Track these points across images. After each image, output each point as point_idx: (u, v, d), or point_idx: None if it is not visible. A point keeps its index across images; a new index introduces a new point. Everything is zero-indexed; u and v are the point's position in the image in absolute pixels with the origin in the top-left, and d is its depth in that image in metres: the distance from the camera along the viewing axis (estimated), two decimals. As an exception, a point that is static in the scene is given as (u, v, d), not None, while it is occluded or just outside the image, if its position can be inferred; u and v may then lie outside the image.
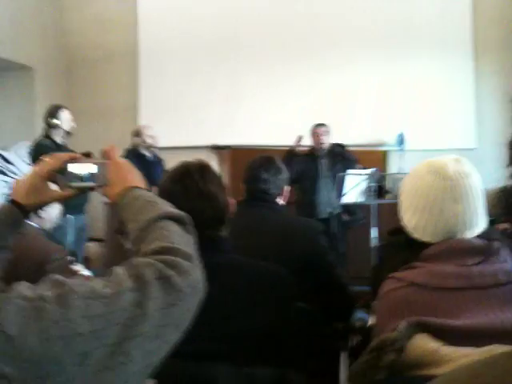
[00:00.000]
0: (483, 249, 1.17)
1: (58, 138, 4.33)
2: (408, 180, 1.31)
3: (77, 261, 2.75)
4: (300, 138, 4.75)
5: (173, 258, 0.76)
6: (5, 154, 2.38)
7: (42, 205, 1.04)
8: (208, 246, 1.44)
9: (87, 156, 1.09)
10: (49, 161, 1.03)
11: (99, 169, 1.03)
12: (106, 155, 1.04)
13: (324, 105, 5.86)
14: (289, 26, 6.12)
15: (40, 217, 2.22)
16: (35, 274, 0.92)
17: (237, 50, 6.20)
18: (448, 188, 1.21)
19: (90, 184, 1.04)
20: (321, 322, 1.85)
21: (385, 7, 6.02)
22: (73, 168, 1.04)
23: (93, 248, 5.30)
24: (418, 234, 1.26)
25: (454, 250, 1.18)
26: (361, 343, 2.04)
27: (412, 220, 1.27)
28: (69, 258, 2.35)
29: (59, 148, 4.33)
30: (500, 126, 5.72)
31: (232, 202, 1.55)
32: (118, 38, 6.47)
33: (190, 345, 1.29)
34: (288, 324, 1.41)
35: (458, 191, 1.21)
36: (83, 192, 1.07)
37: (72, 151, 6.01)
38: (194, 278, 0.76)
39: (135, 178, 1.01)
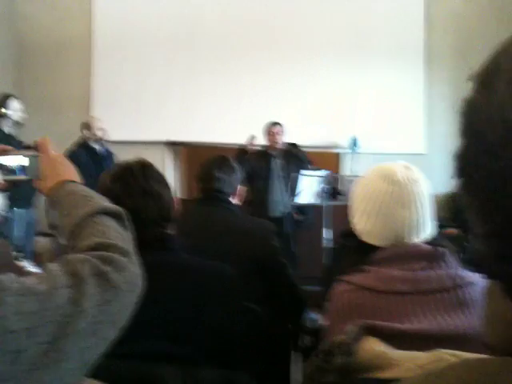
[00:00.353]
0: (429, 254, 1.19)
1: (6, 127, 4.18)
2: (358, 184, 1.33)
3: (25, 256, 2.65)
4: (252, 138, 4.75)
5: (109, 254, 0.74)
6: None
7: None
8: (154, 245, 1.42)
9: (28, 148, 1.06)
10: None
11: (31, 162, 1.01)
12: (38, 148, 1.02)
13: (279, 105, 5.89)
14: (246, 21, 6.12)
15: None
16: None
17: (194, 44, 6.14)
18: (396, 193, 1.23)
19: (22, 177, 1.02)
20: (272, 323, 1.85)
21: (340, 14, 6.11)
22: (4, 160, 1.02)
23: (42, 243, 5.13)
24: (367, 238, 1.28)
25: (401, 254, 1.20)
26: (311, 344, 2.06)
27: (361, 223, 1.29)
28: (14, 253, 2.27)
29: (7, 138, 4.18)
30: (449, 133, 5.92)
31: (177, 200, 1.53)
32: (72, 27, 6.28)
33: (136, 345, 1.27)
34: (234, 323, 1.41)
35: (406, 197, 1.23)
36: (15, 186, 1.05)
37: (20, 142, 5.80)
38: (131, 274, 0.74)
39: (69, 171, 1.00)
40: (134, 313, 1.22)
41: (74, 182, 0.97)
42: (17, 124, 4.24)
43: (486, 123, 0.41)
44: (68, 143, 4.72)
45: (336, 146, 6.14)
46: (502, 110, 0.39)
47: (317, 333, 1.98)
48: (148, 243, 1.42)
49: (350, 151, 5.93)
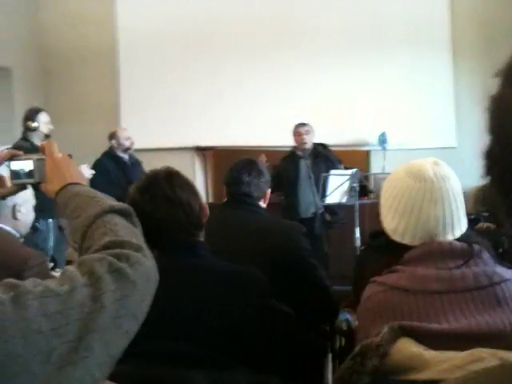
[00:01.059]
0: (464, 252, 1.17)
1: (37, 140, 4.28)
2: (387, 183, 1.31)
3: (56, 266, 2.70)
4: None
5: (123, 250, 0.78)
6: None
7: None
8: (183, 251, 1.43)
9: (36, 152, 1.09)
10: None
11: (37, 165, 1.03)
12: (43, 151, 1.04)
13: (307, 105, 5.86)
14: (271, 25, 6.11)
15: (16, 219, 2.17)
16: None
17: (218, 49, 6.16)
18: (427, 191, 1.21)
19: (29, 181, 1.04)
20: (306, 325, 1.84)
21: (366, 10, 6.04)
22: (13, 165, 1.05)
23: (72, 250, 5.22)
24: (398, 237, 1.26)
25: (435, 253, 1.17)
26: (346, 345, 2.04)
27: (391, 223, 1.27)
28: (49, 263, 2.31)
29: (37, 150, 4.28)
30: (479, 125, 5.76)
31: (205, 206, 1.54)
32: (96, 38, 6.38)
33: (167, 346, 1.28)
34: (264, 325, 1.41)
35: (437, 194, 1.21)
36: (23, 189, 1.09)
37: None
38: (145, 268, 0.78)
39: (74, 174, 1.01)
40: (164, 316, 1.23)
41: (79, 184, 0.99)
42: (46, 137, 4.35)
43: None
44: (98, 154, 4.81)
45: (365, 144, 6.08)
46: None
47: (351, 334, 1.96)
48: (177, 250, 1.43)
49: (379, 148, 5.86)
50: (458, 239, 1.21)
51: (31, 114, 4.31)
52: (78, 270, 0.73)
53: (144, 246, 0.82)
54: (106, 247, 0.79)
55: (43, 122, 4.31)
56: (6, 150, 1.10)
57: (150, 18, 6.27)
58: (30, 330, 0.62)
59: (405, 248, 1.23)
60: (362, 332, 1.17)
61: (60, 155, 1.04)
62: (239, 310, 1.36)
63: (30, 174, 1.04)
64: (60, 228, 4.11)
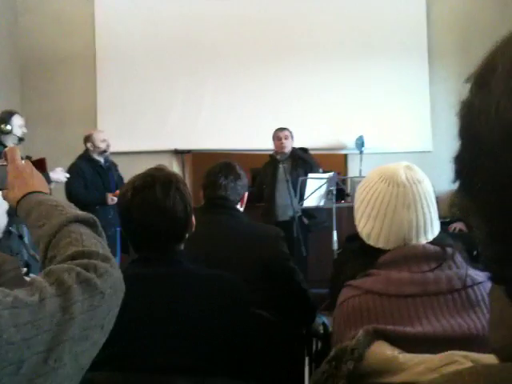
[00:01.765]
0: (437, 255, 1.17)
1: (10, 143, 4.21)
2: (361, 188, 1.32)
3: (30, 271, 2.65)
4: None
5: (91, 261, 0.77)
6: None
7: None
8: (162, 259, 1.43)
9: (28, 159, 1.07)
10: None
11: None
12: (6, 158, 1.02)
13: (285, 109, 5.89)
14: (249, 31, 6.12)
15: None
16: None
17: (197, 53, 6.15)
18: (399, 195, 1.22)
19: None
20: (284, 329, 1.84)
21: (344, 15, 6.11)
22: None
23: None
24: (372, 241, 1.26)
25: (409, 256, 1.18)
26: (322, 349, 2.05)
27: (366, 227, 1.28)
28: (23, 269, 2.26)
29: None
30: (454, 130, 5.87)
31: (192, 221, 1.53)
32: (75, 41, 6.31)
33: (148, 358, 1.27)
34: (246, 332, 1.40)
35: (410, 198, 1.21)
36: None
37: (29, 156, 5.80)
38: (113, 278, 0.77)
39: (37, 182, 1.00)
40: (142, 327, 1.22)
41: (42, 192, 0.97)
42: (19, 140, 4.28)
43: (483, 125, 0.40)
44: (74, 156, 4.74)
45: (343, 147, 6.13)
46: (500, 111, 0.38)
47: (328, 338, 1.97)
48: (154, 258, 1.42)
49: (357, 152, 5.90)
50: (431, 242, 1.23)
51: (4, 117, 4.23)
52: (45, 280, 0.72)
53: (111, 256, 0.81)
54: (73, 257, 0.78)
55: (17, 125, 4.24)
56: None
57: (129, 22, 6.23)
58: (1, 341, 0.61)
59: (379, 252, 1.24)
60: (337, 336, 1.18)
61: (23, 162, 1.02)
62: (217, 317, 1.36)
63: None
64: (20, 237, 4.03)
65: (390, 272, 1.17)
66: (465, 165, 0.43)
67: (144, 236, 1.44)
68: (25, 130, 4.32)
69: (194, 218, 1.53)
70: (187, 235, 1.50)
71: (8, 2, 6.23)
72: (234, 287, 1.44)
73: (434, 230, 1.25)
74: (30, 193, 0.96)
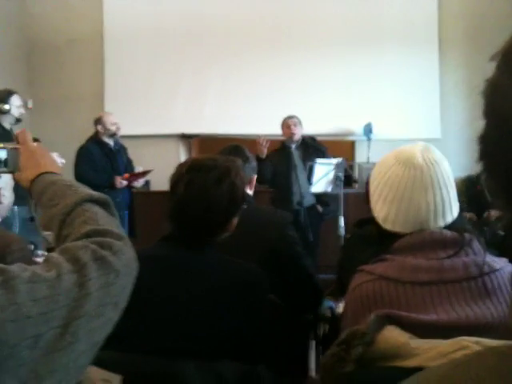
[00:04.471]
0: (455, 241, 1.14)
1: (7, 123, 4.19)
2: (377, 170, 1.28)
3: (37, 249, 2.66)
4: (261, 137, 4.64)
5: (106, 239, 0.78)
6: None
7: None
8: (194, 247, 1.43)
9: (36, 141, 1.06)
10: None
11: (11, 154, 1.01)
12: (17, 139, 1.02)
13: (293, 95, 5.86)
14: (257, 17, 6.08)
15: (0, 202, 2.15)
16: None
17: (205, 37, 6.11)
18: (417, 178, 1.18)
19: (1, 170, 1.02)
20: (290, 313, 1.84)
21: (354, 3, 6.04)
22: None
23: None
24: (389, 225, 1.23)
25: (426, 242, 1.15)
26: (329, 332, 2.05)
27: (382, 211, 1.24)
28: (30, 246, 2.28)
29: (7, 134, 4.19)
30: (463, 118, 5.84)
31: (233, 222, 1.52)
32: (83, 24, 6.29)
33: (159, 342, 1.28)
34: (261, 323, 1.41)
35: (428, 180, 1.18)
36: None
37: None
38: (127, 257, 0.78)
39: (49, 163, 1.00)
40: (155, 311, 1.22)
41: (54, 173, 0.97)
42: (17, 121, 4.22)
43: (509, 104, 0.38)
44: (81, 140, 4.73)
45: (351, 134, 6.10)
46: None
47: (334, 321, 1.97)
48: (181, 239, 1.42)
49: (365, 138, 5.87)
50: (449, 227, 1.20)
51: (3, 96, 4.18)
52: (63, 256, 0.72)
53: (124, 235, 0.82)
54: (88, 235, 0.79)
55: (15, 105, 4.18)
56: None
57: (137, 6, 6.20)
58: (20, 315, 0.62)
59: (395, 236, 1.21)
60: (349, 321, 1.16)
61: (34, 144, 1.03)
62: (240, 310, 1.36)
63: (3, 162, 1.02)
64: (32, 219, 4.01)
65: (405, 258, 1.15)
66: (489, 145, 0.42)
67: (181, 213, 1.43)
68: (23, 111, 4.28)
69: (235, 221, 1.51)
70: (222, 233, 1.48)
71: (16, -14, 6.20)
72: (261, 283, 1.43)
73: (452, 212, 1.22)
74: (42, 173, 0.96)
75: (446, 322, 1.03)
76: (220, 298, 1.36)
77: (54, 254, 0.74)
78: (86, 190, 0.90)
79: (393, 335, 0.94)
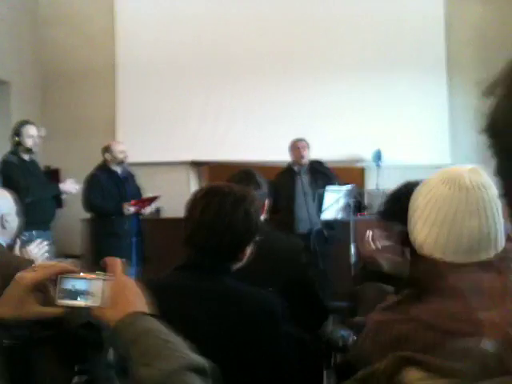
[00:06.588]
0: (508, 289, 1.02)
1: (23, 154, 4.23)
2: (420, 190, 1.18)
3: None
4: None
5: None
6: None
7: (19, 320, 0.85)
8: (209, 272, 1.42)
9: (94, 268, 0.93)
10: (34, 272, 0.87)
11: (95, 286, 0.88)
12: (107, 269, 0.90)
13: (302, 121, 5.87)
14: (268, 43, 6.14)
15: (4, 228, 2.17)
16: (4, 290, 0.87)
17: (215, 65, 6.19)
18: (462, 200, 1.08)
19: (83, 303, 0.88)
20: (305, 343, 1.81)
21: (362, 28, 6.10)
22: (64, 282, 0.88)
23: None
24: (427, 250, 1.12)
25: (470, 288, 1.02)
26: (342, 361, 2.00)
27: (420, 234, 1.14)
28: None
29: (26, 165, 4.22)
30: (472, 143, 5.83)
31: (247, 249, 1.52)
32: (96, 53, 6.40)
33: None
34: (280, 352, 1.39)
35: (474, 204, 1.08)
36: (72, 313, 0.90)
37: (48, 166, 5.82)
38: None
39: (139, 300, 0.88)
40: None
41: (145, 314, 0.85)
42: (27, 151, 4.22)
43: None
44: (93, 168, 4.77)
45: (360, 160, 6.09)
46: None
47: (347, 351, 1.93)
48: (199, 269, 1.41)
49: (374, 165, 5.86)
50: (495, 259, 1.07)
51: (16, 128, 4.22)
52: None
53: None
54: None
55: (26, 136, 4.19)
56: (57, 264, 0.92)
57: (149, 34, 6.30)
58: None
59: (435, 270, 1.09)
60: (368, 356, 1.05)
61: (125, 277, 0.89)
62: (248, 335, 1.35)
63: (86, 294, 0.88)
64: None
65: (443, 301, 1.03)
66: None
67: (197, 237, 1.44)
68: (37, 141, 4.27)
69: (248, 250, 1.51)
70: (235, 262, 1.48)
71: (30, 15, 6.34)
72: (278, 311, 1.43)
73: (500, 243, 1.10)
74: (133, 314, 0.83)
75: None
76: (240, 328, 1.35)
77: None
78: (186, 354, 0.80)
79: (412, 377, 0.89)
